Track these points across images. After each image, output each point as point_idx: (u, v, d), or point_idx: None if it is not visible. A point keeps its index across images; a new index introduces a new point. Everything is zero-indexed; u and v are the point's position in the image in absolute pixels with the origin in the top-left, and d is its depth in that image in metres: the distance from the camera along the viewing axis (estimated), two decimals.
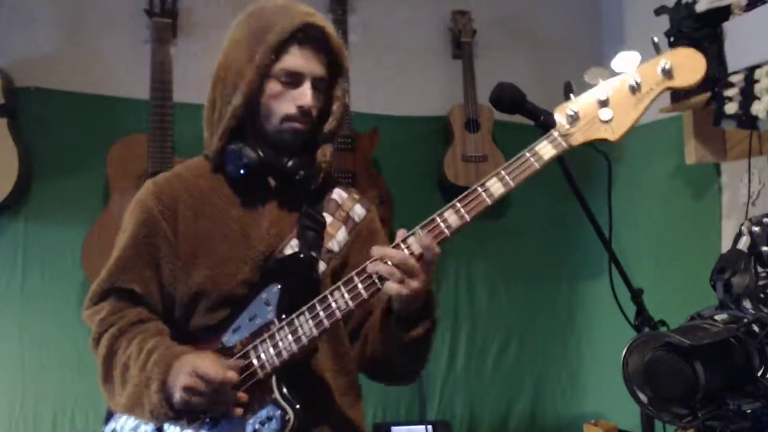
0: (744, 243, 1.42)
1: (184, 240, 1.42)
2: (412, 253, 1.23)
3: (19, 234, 2.76)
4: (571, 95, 1.28)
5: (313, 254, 1.40)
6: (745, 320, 1.28)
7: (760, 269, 1.40)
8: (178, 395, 1.26)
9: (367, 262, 1.26)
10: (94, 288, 1.46)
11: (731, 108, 2.08)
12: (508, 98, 1.35)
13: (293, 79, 1.40)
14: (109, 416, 1.44)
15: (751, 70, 2.05)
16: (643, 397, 1.24)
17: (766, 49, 2.01)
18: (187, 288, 1.40)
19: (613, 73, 1.28)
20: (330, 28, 1.43)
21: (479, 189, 1.26)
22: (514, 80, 1.36)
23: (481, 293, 3.24)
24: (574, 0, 3.47)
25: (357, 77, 2.94)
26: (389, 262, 1.22)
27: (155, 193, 1.45)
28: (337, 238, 1.46)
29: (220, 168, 1.46)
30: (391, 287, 1.23)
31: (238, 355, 1.33)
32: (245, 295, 1.38)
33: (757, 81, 2.02)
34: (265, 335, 1.33)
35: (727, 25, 2.15)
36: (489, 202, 1.25)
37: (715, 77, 2.14)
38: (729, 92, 2.10)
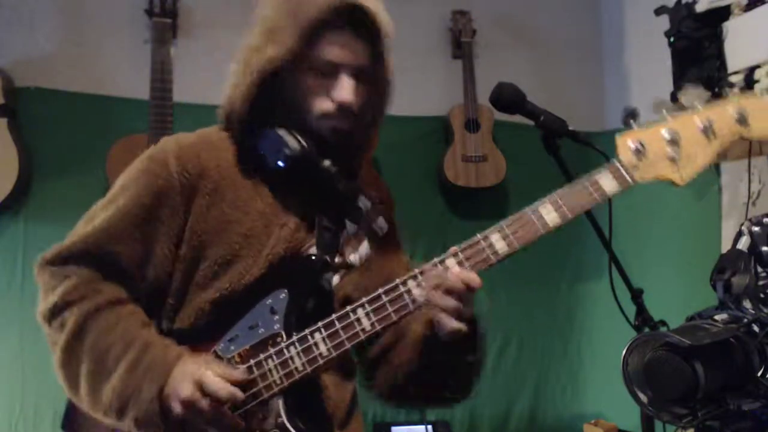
0: (744, 243, 1.43)
1: (197, 224, 1.20)
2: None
3: (19, 234, 2.75)
4: (632, 123, 1.15)
5: (327, 258, 1.22)
6: (745, 320, 1.28)
7: (760, 269, 1.40)
8: (175, 408, 1.09)
9: (398, 281, 1.13)
10: (67, 245, 1.20)
11: None
12: (508, 98, 1.35)
13: (329, 70, 1.21)
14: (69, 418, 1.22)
15: (751, 70, 2.05)
16: (643, 397, 1.23)
17: (766, 49, 2.01)
18: (184, 281, 1.21)
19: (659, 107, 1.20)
20: (375, 9, 1.23)
21: (531, 215, 1.13)
22: (514, 80, 1.36)
23: (481, 293, 3.23)
24: (574, 0, 3.47)
25: None
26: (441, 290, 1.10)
27: (180, 159, 1.21)
28: (359, 251, 1.28)
29: (250, 150, 1.24)
30: (447, 322, 1.11)
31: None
32: (245, 298, 1.20)
33: (757, 81, 2.02)
34: (271, 350, 1.15)
35: (727, 25, 2.15)
36: (542, 231, 1.13)
37: (715, 77, 2.15)
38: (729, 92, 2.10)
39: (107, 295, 1.18)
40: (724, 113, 1.14)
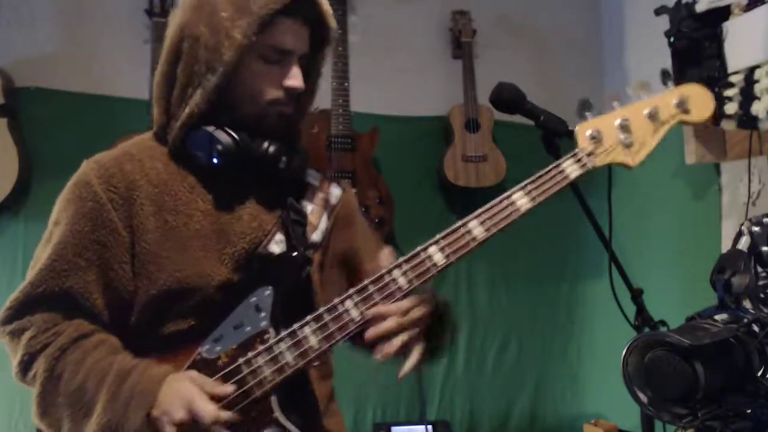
0: (744, 243, 1.43)
1: (142, 237, 1.18)
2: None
3: (19, 234, 2.76)
4: (587, 114, 1.28)
5: (307, 253, 1.24)
6: (745, 320, 1.28)
7: (760, 269, 1.40)
8: (167, 430, 1.07)
9: (384, 271, 1.16)
10: (16, 296, 1.17)
11: (731, 108, 2.08)
12: (508, 98, 1.35)
13: (279, 57, 1.21)
14: None
15: (751, 70, 2.05)
16: (643, 397, 1.23)
17: (766, 49, 2.01)
18: (150, 293, 1.17)
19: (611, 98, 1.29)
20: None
21: (504, 202, 1.21)
22: (514, 80, 1.36)
23: (481, 293, 3.23)
24: (574, 0, 3.47)
25: (357, 77, 2.95)
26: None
27: (103, 177, 1.19)
28: (320, 227, 1.31)
29: (180, 153, 1.23)
30: (399, 340, 1.15)
31: (226, 369, 1.15)
32: (223, 299, 1.19)
33: (757, 81, 2.02)
34: (260, 347, 1.15)
35: (727, 25, 2.15)
36: (516, 216, 1.20)
37: (715, 77, 2.14)
38: (729, 92, 2.10)
39: (69, 333, 1.15)
40: (667, 101, 1.27)
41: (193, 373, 1.14)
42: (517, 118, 1.38)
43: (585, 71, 3.42)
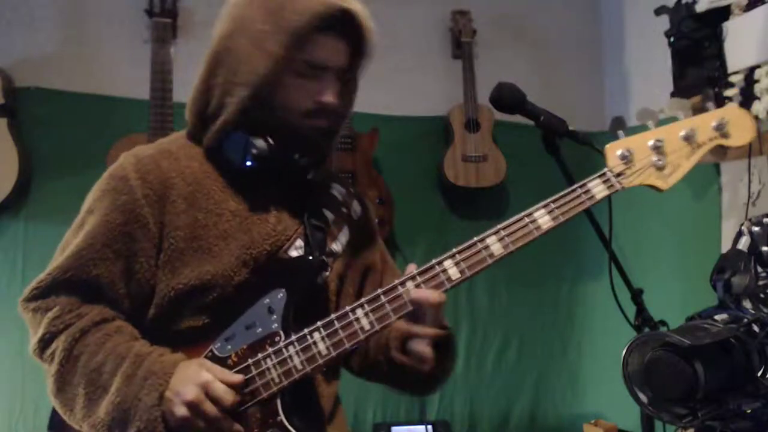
0: (744, 243, 1.43)
1: (172, 233, 1.20)
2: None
3: (19, 234, 2.76)
4: (620, 132, 1.24)
5: (324, 258, 1.24)
6: (745, 320, 1.28)
7: (760, 269, 1.40)
8: (179, 411, 1.09)
9: (397, 282, 1.16)
10: (44, 277, 1.21)
11: None
12: (508, 98, 1.35)
13: (315, 72, 1.22)
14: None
15: (751, 70, 2.05)
16: (643, 397, 1.23)
17: (766, 49, 2.01)
18: (171, 287, 1.20)
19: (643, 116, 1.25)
20: (362, 13, 1.22)
21: (526, 219, 1.19)
22: (514, 80, 1.36)
23: (481, 293, 3.23)
24: (574, 0, 3.47)
25: None
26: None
27: (140, 171, 1.21)
28: (340, 239, 1.32)
29: (215, 153, 1.26)
30: (428, 331, 1.17)
31: (235, 369, 1.16)
32: (239, 298, 1.20)
33: (757, 81, 2.02)
34: (269, 349, 1.16)
35: (727, 25, 2.15)
36: (536, 234, 1.18)
37: (715, 77, 2.15)
38: (729, 92, 2.10)
39: (91, 317, 1.18)
40: (705, 123, 1.22)
41: (204, 360, 1.16)
42: (517, 118, 1.38)
43: (585, 71, 3.42)
